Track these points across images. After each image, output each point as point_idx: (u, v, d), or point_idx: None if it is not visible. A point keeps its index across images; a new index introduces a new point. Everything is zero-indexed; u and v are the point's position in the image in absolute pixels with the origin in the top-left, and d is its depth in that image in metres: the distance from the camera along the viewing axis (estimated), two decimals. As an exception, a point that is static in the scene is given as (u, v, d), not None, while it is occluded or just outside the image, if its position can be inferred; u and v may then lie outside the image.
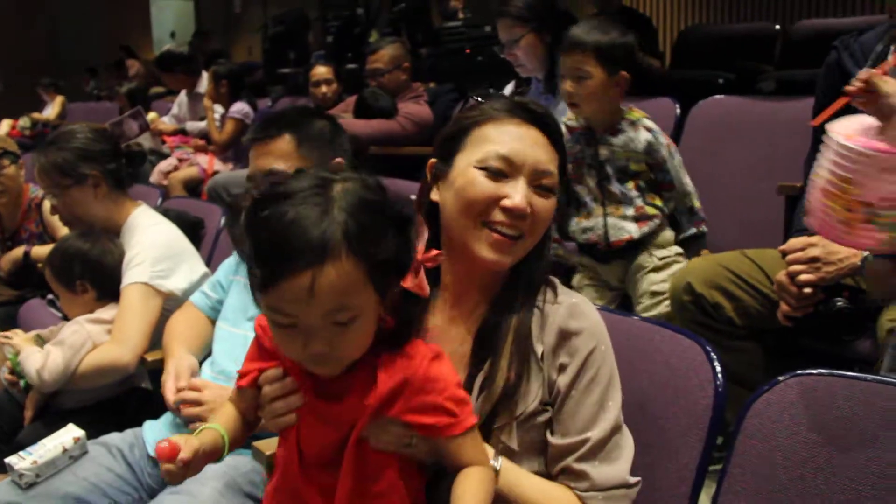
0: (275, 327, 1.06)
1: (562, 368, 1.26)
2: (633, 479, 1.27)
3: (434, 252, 1.18)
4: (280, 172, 1.81)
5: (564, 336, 1.27)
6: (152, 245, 2.27)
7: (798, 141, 2.45)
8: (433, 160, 1.34)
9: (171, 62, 5.66)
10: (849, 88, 1.54)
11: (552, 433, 1.27)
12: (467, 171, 1.26)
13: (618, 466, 1.25)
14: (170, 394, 1.82)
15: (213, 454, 1.16)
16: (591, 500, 1.24)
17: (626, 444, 1.28)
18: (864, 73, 1.54)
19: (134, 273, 2.19)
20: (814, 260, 1.87)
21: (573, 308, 1.29)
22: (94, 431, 1.90)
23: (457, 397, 1.14)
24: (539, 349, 1.27)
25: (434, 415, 1.12)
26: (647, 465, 1.41)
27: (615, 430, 1.26)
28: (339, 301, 1.01)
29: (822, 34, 4.03)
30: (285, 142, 1.87)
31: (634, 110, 2.49)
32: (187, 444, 1.08)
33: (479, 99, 1.33)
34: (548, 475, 1.28)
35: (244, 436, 1.26)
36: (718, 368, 1.39)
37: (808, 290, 1.87)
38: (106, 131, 2.47)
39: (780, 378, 1.34)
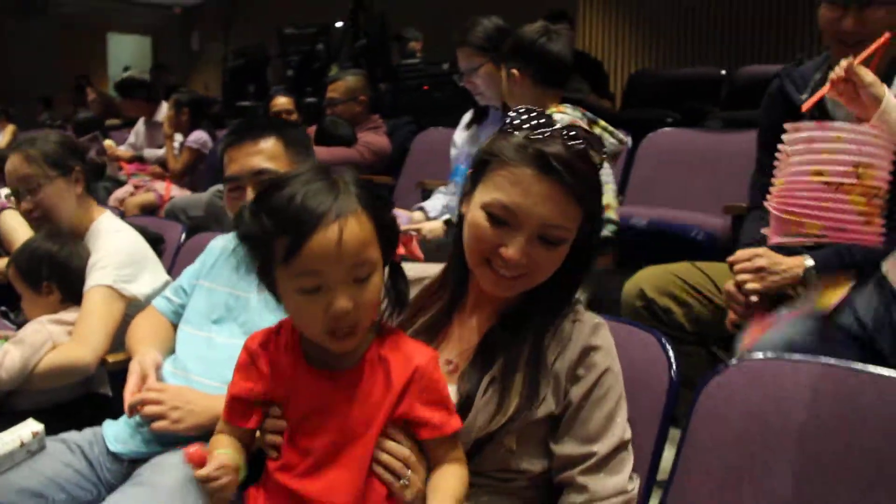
0: (298, 297, 1.14)
1: (577, 379, 1.29)
2: (631, 486, 1.28)
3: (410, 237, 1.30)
4: (271, 171, 1.84)
5: (586, 352, 1.30)
6: (117, 250, 2.28)
7: (741, 169, 2.59)
8: (470, 172, 1.35)
9: (132, 87, 5.69)
10: (832, 76, 1.66)
11: (556, 441, 1.30)
12: (476, 210, 1.27)
13: (619, 477, 1.27)
14: (129, 394, 1.82)
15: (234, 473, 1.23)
16: None
17: (630, 458, 1.30)
18: (845, 62, 1.65)
19: (98, 276, 2.20)
20: (759, 270, 1.97)
21: (596, 328, 1.33)
22: (50, 434, 1.88)
23: (449, 398, 1.24)
24: (560, 365, 1.30)
25: (437, 410, 1.21)
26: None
27: (621, 446, 1.28)
28: (361, 254, 1.12)
29: (764, 78, 4.23)
30: (273, 143, 1.90)
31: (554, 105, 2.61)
32: (215, 459, 1.19)
33: (515, 125, 1.27)
34: (547, 477, 1.31)
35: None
36: (673, 360, 1.46)
37: (754, 298, 1.96)
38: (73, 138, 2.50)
39: (731, 362, 1.41)
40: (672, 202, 3.03)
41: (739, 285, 1.99)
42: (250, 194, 1.82)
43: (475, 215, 1.27)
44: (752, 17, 6.73)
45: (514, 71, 2.61)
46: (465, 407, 1.27)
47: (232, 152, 1.93)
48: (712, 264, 2.34)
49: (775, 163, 1.76)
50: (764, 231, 1.66)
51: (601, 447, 1.26)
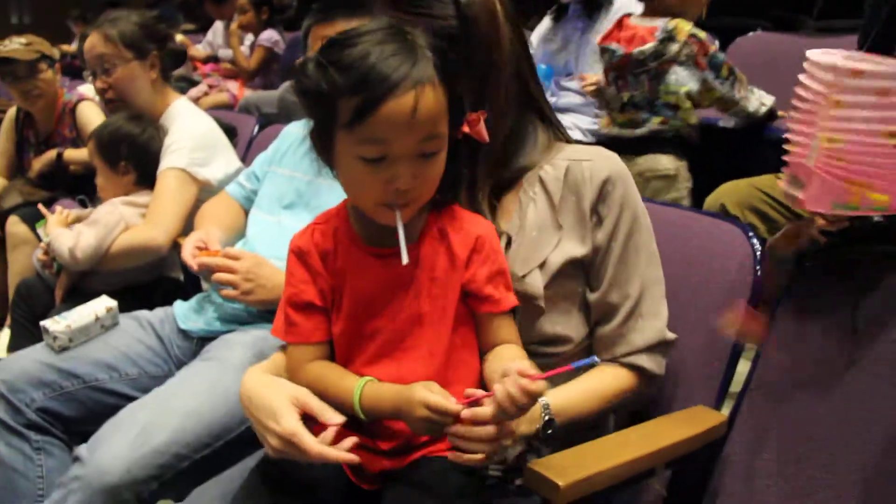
0: (358, 166, 1.03)
1: (600, 220, 1.24)
2: (671, 336, 1.27)
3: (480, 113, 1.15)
4: None
5: (604, 187, 1.23)
6: (192, 133, 2.27)
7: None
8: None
9: None
10: None
11: (591, 290, 1.26)
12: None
13: (657, 322, 1.26)
14: (188, 249, 1.81)
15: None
16: (637, 361, 1.25)
17: (662, 294, 1.28)
18: None
19: (172, 158, 2.20)
20: None
21: (608, 159, 1.26)
22: (123, 312, 1.92)
23: (507, 272, 1.16)
24: (584, 206, 1.23)
25: (497, 285, 1.13)
26: (677, 348, 1.41)
27: (655, 281, 1.26)
28: (433, 127, 1.02)
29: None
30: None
31: None
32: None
33: None
34: (588, 331, 1.28)
35: None
36: (758, 248, 1.39)
37: None
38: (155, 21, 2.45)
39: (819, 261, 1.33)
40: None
41: None
42: None
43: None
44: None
45: None
46: None
47: (319, 30, 1.80)
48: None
49: (801, 104, 1.35)
50: (795, 193, 1.32)
51: (634, 289, 1.24)
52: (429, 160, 1.04)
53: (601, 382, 1.25)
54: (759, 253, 1.37)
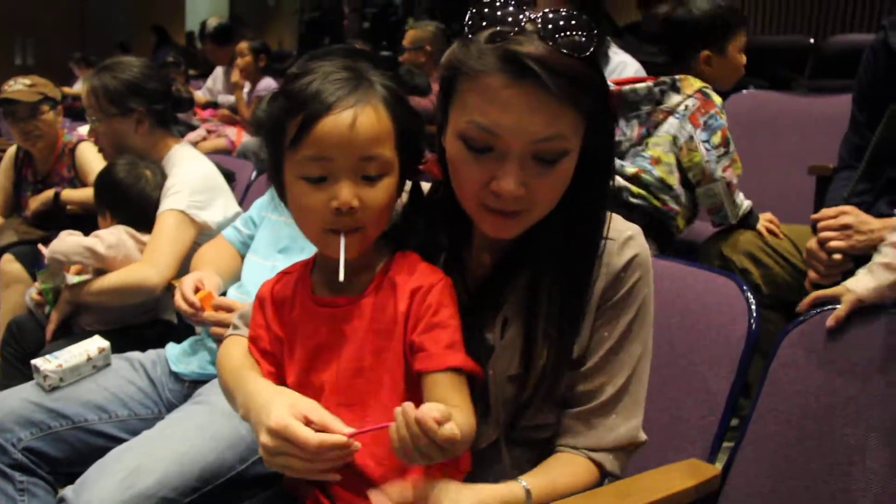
0: (302, 186, 1.04)
1: (604, 314, 1.12)
2: (643, 437, 1.16)
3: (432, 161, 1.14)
4: None
5: (616, 275, 1.12)
6: (192, 176, 2.29)
7: (828, 134, 2.48)
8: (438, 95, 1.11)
9: (228, 35, 5.72)
10: None
11: (571, 366, 1.13)
12: (452, 141, 1.05)
13: (632, 422, 1.14)
14: (182, 294, 1.82)
15: None
16: (600, 459, 1.13)
17: (643, 393, 1.16)
18: None
19: (171, 200, 2.21)
20: (845, 227, 1.87)
21: (629, 240, 1.14)
22: (115, 353, 1.91)
23: (456, 329, 1.07)
24: (593, 301, 1.12)
25: (433, 338, 1.04)
26: (672, 399, 1.41)
27: (641, 378, 1.15)
28: (373, 147, 1.04)
29: (855, 48, 4.06)
30: None
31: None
32: None
33: (474, 24, 1.02)
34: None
35: None
36: (753, 302, 1.40)
37: (837, 256, 1.87)
38: (160, 71, 2.48)
39: (816, 310, 1.34)
40: (754, 165, 2.92)
41: (822, 242, 1.90)
42: None
43: (452, 148, 1.05)
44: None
45: None
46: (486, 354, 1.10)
47: None
48: (794, 226, 2.26)
49: None
50: None
51: (618, 381, 1.12)
52: (372, 184, 1.05)
53: (576, 478, 1.11)
54: (753, 306, 1.38)
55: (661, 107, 2.36)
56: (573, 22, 0.99)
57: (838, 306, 1.36)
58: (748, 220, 2.35)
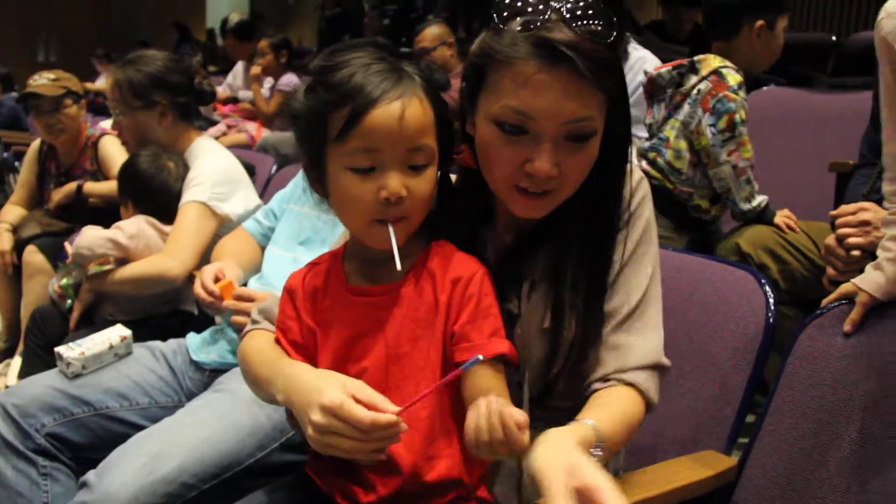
0: (349, 178, 1.05)
1: (618, 245, 1.16)
2: (667, 361, 1.16)
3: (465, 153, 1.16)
4: None
5: (632, 211, 1.17)
6: (213, 169, 2.31)
7: (849, 131, 2.46)
8: (463, 85, 1.14)
9: (249, 31, 5.75)
10: None
11: None
12: (484, 125, 1.09)
13: (652, 341, 1.15)
14: (202, 283, 1.83)
15: None
16: (634, 379, 1.12)
17: (660, 315, 1.18)
18: None
19: (193, 192, 2.23)
20: (864, 223, 1.85)
21: (640, 182, 1.19)
22: (137, 342, 1.93)
23: (498, 318, 1.10)
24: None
25: (477, 327, 1.06)
26: (690, 390, 1.42)
27: (655, 299, 1.17)
28: (421, 137, 1.05)
29: (874, 47, 4.03)
30: None
31: None
32: None
33: (505, 16, 1.05)
34: None
35: None
36: (771, 296, 1.40)
37: (855, 252, 1.85)
38: (184, 64, 2.50)
39: (835, 304, 1.34)
40: (775, 162, 2.91)
41: (841, 239, 1.89)
42: None
43: (484, 133, 1.08)
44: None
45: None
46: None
47: None
48: (813, 223, 2.25)
49: None
50: None
51: (633, 298, 1.14)
52: (418, 174, 1.06)
53: (623, 405, 1.10)
54: (771, 300, 1.38)
55: (680, 89, 2.44)
56: (593, 11, 1.04)
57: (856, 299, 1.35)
58: (764, 216, 2.36)
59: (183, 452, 1.50)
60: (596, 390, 1.12)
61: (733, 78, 2.37)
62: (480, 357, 0.96)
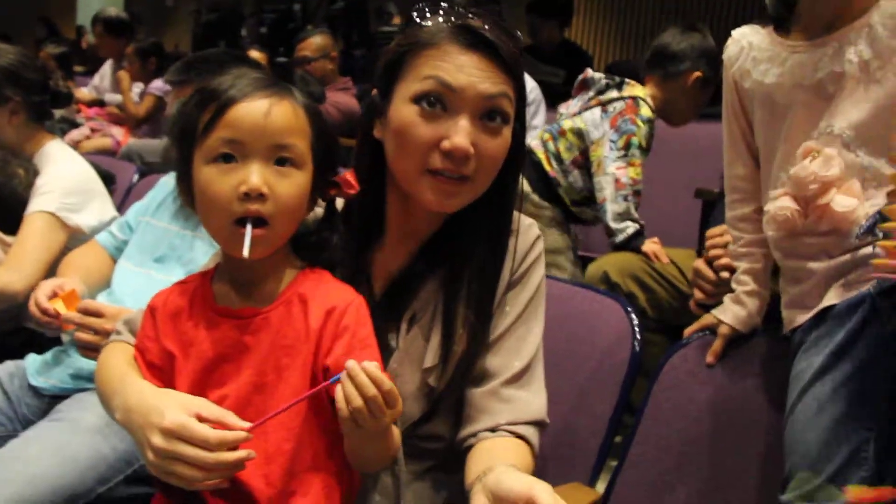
0: (210, 171, 1.01)
1: (508, 290, 1.18)
2: (547, 420, 1.16)
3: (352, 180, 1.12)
4: None
5: (521, 255, 1.19)
6: (65, 176, 2.14)
7: (715, 159, 2.54)
8: (375, 91, 1.16)
9: (123, 28, 5.51)
10: None
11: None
12: (402, 108, 1.09)
13: (539, 400, 1.16)
14: (37, 299, 1.69)
15: None
16: (524, 432, 1.12)
17: (543, 373, 1.19)
18: None
19: (41, 201, 2.06)
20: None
21: (537, 235, 1.22)
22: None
23: (375, 347, 1.05)
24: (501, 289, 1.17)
25: (356, 355, 0.98)
26: (557, 422, 1.39)
27: (540, 359, 1.18)
28: (288, 136, 1.02)
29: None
30: None
31: None
32: None
33: (425, 12, 1.11)
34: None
35: None
36: (637, 324, 1.39)
37: (724, 274, 1.89)
38: (40, 61, 2.33)
39: (698, 334, 1.35)
40: (645, 190, 2.98)
41: (711, 261, 1.92)
42: None
43: (402, 115, 1.08)
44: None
45: None
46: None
47: (178, 93, 1.83)
48: (678, 250, 2.30)
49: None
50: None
51: (522, 361, 1.15)
52: (283, 175, 1.02)
53: (527, 459, 1.10)
54: (637, 327, 1.37)
55: (600, 96, 2.57)
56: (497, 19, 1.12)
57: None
58: (632, 244, 2.43)
59: (12, 490, 1.36)
60: (481, 440, 1.11)
61: (646, 111, 2.52)
62: (351, 363, 0.92)
